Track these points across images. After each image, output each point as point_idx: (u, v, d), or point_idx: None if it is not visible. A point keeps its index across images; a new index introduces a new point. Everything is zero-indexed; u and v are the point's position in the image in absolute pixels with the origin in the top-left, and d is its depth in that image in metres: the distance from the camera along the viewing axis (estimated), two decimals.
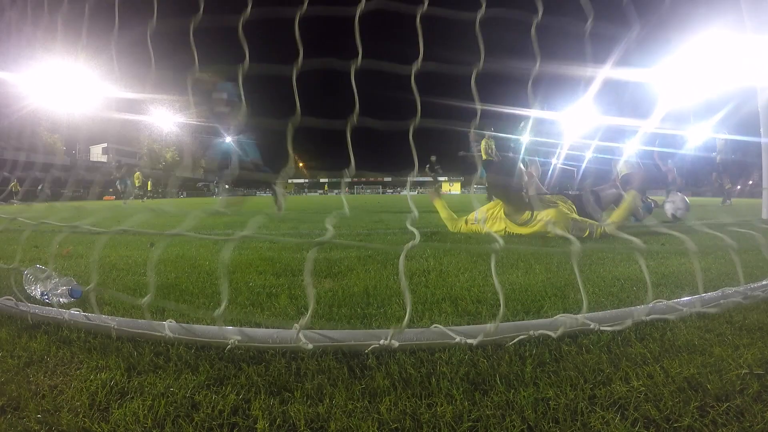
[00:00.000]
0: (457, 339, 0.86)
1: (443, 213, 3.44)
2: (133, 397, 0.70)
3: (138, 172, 19.53)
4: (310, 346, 0.84)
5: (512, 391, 0.72)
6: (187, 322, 0.99)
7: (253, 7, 0.87)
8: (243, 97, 0.95)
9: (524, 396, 0.70)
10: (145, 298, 0.93)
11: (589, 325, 0.93)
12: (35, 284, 1.28)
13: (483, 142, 6.85)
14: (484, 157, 6.78)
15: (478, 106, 0.90)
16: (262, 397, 0.71)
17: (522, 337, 0.90)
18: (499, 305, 0.82)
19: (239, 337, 0.88)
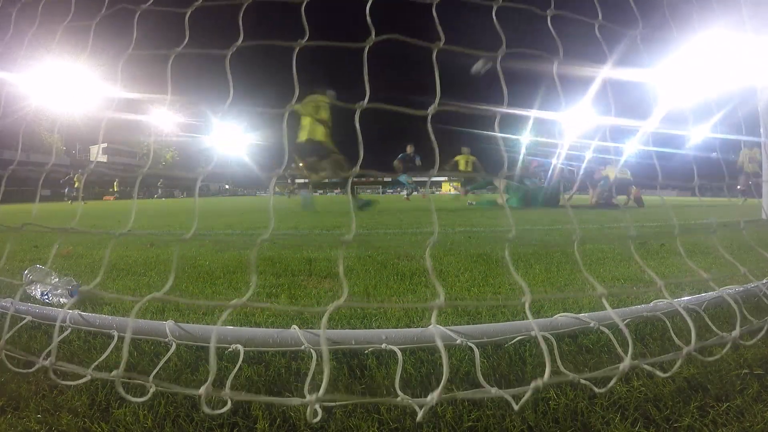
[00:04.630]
0: (459, 340, 0.86)
1: None
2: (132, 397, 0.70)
3: None
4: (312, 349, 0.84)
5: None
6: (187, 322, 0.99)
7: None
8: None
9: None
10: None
11: (589, 323, 0.93)
12: (35, 284, 1.28)
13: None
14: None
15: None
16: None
17: (522, 337, 0.90)
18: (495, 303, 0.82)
19: (240, 346, 0.87)
